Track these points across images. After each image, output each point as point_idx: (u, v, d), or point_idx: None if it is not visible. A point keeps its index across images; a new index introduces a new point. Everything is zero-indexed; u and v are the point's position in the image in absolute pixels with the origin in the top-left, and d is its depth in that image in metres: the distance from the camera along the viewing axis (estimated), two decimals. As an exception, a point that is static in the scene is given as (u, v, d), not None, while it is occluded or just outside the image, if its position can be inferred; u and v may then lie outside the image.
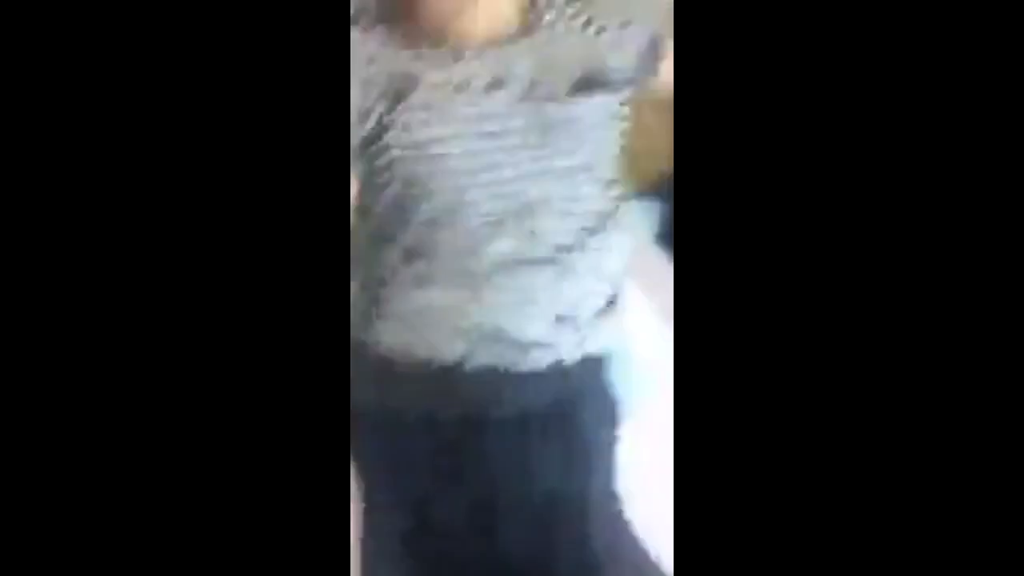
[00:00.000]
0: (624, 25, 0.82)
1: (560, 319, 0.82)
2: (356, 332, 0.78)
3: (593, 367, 0.86)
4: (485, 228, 0.79)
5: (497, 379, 0.82)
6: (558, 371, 0.83)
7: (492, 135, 0.77)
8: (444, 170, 0.78)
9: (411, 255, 0.81)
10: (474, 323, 0.81)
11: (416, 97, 0.76)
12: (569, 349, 0.83)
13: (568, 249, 0.81)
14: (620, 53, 0.81)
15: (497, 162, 0.78)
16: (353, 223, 0.80)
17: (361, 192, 0.82)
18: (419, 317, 0.82)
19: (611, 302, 0.86)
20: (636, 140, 0.84)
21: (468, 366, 0.81)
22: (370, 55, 0.77)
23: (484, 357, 0.81)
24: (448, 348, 0.81)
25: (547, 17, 0.81)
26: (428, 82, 0.77)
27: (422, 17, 0.79)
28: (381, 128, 0.77)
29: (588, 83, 0.79)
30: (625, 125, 0.83)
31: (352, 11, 0.77)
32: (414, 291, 0.82)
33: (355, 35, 0.75)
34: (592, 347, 0.85)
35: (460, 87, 0.77)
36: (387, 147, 0.77)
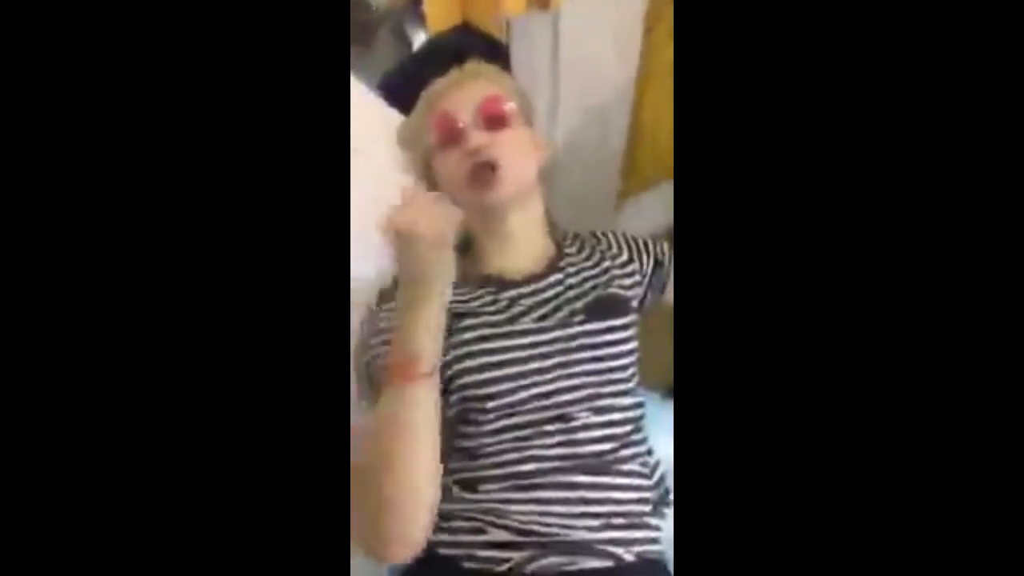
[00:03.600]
0: (625, 264, 1.01)
1: (609, 521, 0.84)
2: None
3: (647, 570, 0.86)
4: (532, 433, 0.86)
5: None
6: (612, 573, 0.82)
7: (529, 357, 0.88)
8: (495, 389, 0.87)
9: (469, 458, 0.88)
10: (526, 526, 0.82)
11: (468, 325, 0.90)
12: (621, 552, 0.83)
13: (608, 453, 0.86)
14: (627, 282, 0.99)
15: (534, 379, 0.87)
16: None
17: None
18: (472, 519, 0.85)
19: (657, 504, 0.89)
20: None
21: (525, 569, 0.80)
22: None
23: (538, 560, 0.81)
24: (502, 551, 0.82)
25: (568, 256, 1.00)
26: (476, 313, 0.92)
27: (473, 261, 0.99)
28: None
29: (600, 308, 0.93)
30: (635, 343, 0.93)
31: None
32: (468, 493, 0.85)
33: None
34: (642, 548, 0.85)
35: (503, 319, 0.91)
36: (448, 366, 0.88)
